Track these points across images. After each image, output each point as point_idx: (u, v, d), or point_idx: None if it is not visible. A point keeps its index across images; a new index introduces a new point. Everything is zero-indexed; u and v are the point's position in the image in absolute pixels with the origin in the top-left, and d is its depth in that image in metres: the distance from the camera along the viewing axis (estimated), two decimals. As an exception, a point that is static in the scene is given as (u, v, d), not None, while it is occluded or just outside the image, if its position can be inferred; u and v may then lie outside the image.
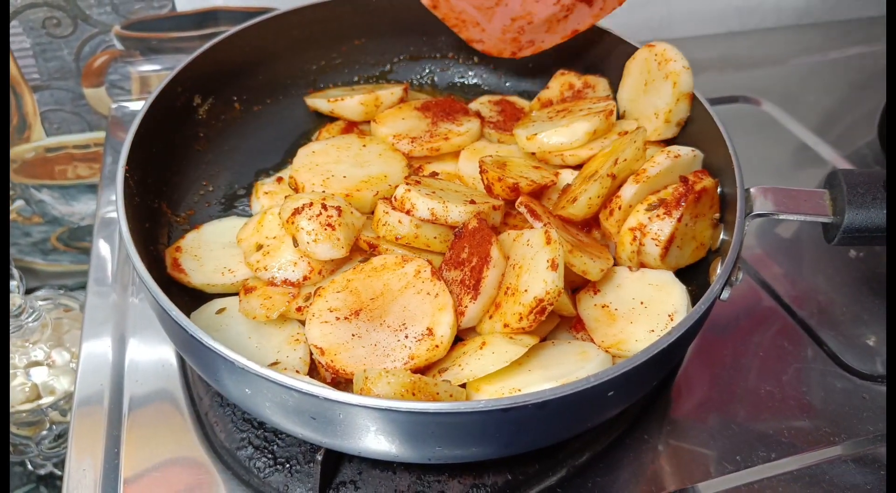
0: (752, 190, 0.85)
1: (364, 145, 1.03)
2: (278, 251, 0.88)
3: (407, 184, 0.89)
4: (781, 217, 0.84)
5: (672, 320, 0.82)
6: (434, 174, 1.02)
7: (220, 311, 0.88)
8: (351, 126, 1.11)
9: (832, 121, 1.43)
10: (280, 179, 1.03)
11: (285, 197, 0.91)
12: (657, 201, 0.89)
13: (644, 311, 0.84)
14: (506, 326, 0.79)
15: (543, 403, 0.65)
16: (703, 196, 0.89)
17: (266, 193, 1.00)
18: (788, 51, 1.56)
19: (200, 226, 0.98)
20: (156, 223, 0.96)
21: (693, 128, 1.00)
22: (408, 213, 0.86)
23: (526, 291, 0.77)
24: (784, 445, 0.89)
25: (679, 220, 0.87)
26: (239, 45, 1.09)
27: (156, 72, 1.00)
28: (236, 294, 0.90)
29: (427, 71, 1.25)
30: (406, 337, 0.79)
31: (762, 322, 1.04)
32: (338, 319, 0.81)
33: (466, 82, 1.26)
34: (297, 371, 0.81)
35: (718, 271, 0.83)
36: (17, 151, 1.37)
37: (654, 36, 1.54)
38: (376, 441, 0.69)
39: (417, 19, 1.17)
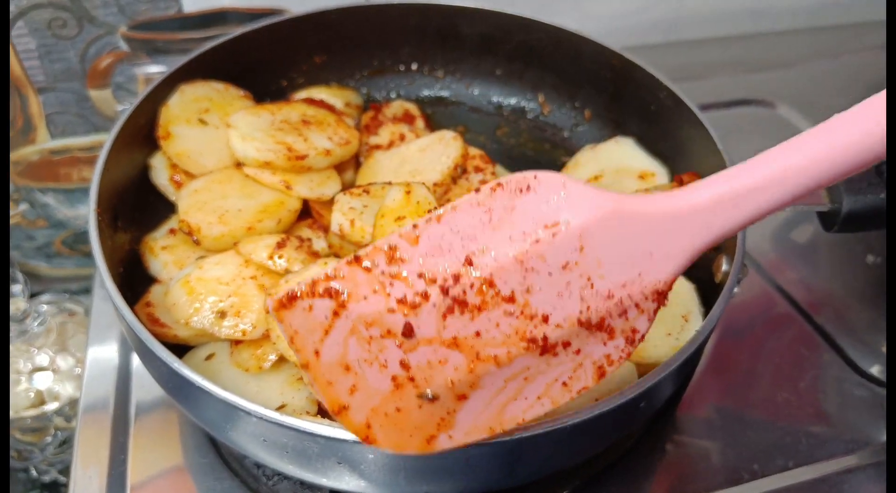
0: None
1: (246, 175, 0.95)
2: (247, 305, 0.80)
3: (348, 191, 0.87)
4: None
5: (686, 321, 0.81)
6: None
7: (209, 357, 0.82)
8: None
9: (847, 124, 1.42)
10: (173, 231, 0.92)
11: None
12: None
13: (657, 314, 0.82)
14: None
15: (580, 423, 0.62)
16: None
17: (164, 248, 0.89)
18: (802, 53, 1.55)
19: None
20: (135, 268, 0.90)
21: (679, 129, 0.98)
22: None
23: None
24: (802, 453, 0.88)
25: None
26: (200, 71, 1.01)
27: (162, 73, 0.98)
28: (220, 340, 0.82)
29: (392, 85, 1.20)
30: None
31: (778, 328, 1.03)
32: None
33: (433, 95, 1.21)
34: (308, 412, 0.76)
35: (724, 267, 0.82)
36: (22, 154, 1.36)
37: (664, 38, 1.53)
38: (406, 481, 0.65)
39: (378, 31, 1.14)
